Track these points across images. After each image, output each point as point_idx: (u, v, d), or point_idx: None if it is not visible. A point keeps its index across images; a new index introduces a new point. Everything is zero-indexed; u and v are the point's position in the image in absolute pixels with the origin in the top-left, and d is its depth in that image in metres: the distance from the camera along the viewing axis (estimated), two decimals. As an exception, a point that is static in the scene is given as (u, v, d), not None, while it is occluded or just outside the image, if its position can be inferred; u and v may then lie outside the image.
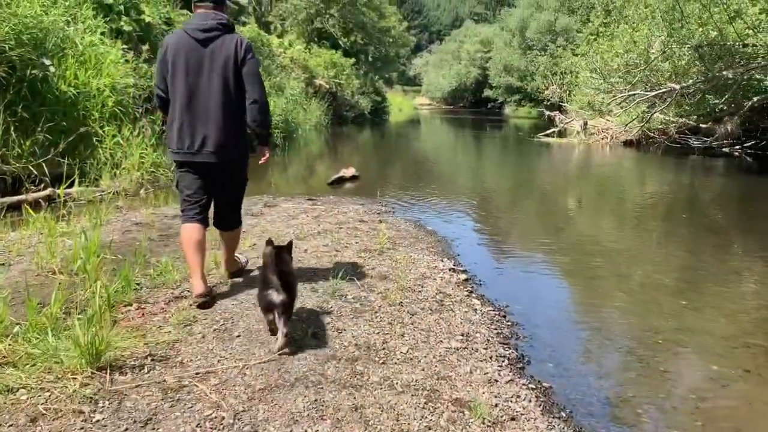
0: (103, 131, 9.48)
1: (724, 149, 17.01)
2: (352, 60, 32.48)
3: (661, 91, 14.69)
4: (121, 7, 12.38)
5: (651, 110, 16.34)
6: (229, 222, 4.37)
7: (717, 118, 14.70)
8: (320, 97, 26.91)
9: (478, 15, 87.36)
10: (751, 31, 12.03)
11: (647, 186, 12.09)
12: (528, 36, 42.56)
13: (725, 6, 12.15)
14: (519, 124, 38.95)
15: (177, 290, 4.22)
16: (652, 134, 18.24)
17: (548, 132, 24.47)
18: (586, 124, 19.83)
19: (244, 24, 32.97)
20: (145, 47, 12.23)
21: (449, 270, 5.14)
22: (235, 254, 4.66)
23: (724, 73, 13.08)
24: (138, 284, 4.28)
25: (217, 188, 4.17)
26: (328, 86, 28.45)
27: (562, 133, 23.81)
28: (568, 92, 29.12)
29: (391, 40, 42.07)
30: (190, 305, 3.91)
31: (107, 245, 5.09)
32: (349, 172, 11.09)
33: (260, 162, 4.25)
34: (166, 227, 6.33)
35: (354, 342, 3.46)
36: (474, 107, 67.67)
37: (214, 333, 3.51)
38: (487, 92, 55.50)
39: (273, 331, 3.41)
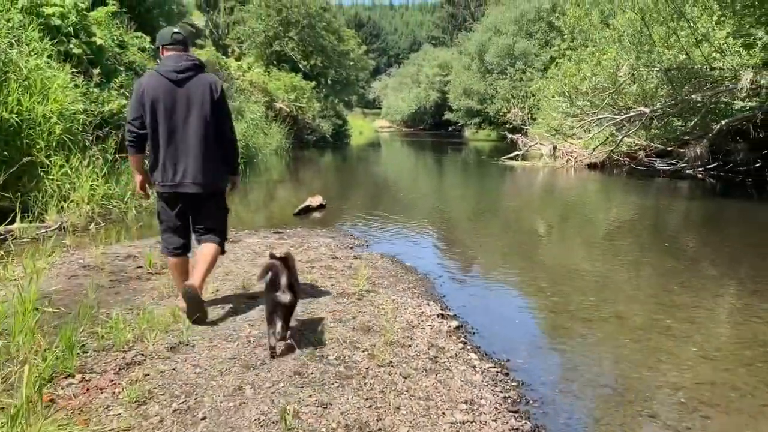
0: (50, 161, 8.76)
1: (687, 171, 17.07)
2: (313, 83, 32.04)
3: (630, 114, 14.61)
4: (70, 29, 11.66)
5: (619, 133, 16.29)
6: (207, 237, 4.44)
7: (685, 141, 14.69)
8: (280, 121, 26.36)
9: (436, 39, 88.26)
10: (718, 54, 12.03)
11: (619, 210, 11.86)
12: (487, 60, 42.84)
13: (692, 30, 12.13)
14: (479, 146, 39.01)
15: (129, 354, 3.61)
16: (617, 157, 18.21)
17: (512, 155, 24.38)
18: (555, 148, 19.71)
19: (201, 47, 32.40)
20: (97, 71, 11.54)
21: (438, 316, 4.64)
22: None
23: (693, 96, 13.05)
24: (83, 347, 3.65)
25: (199, 216, 4.41)
26: (288, 110, 27.93)
27: (525, 156, 23.75)
28: (530, 115, 29.20)
29: (351, 63, 41.84)
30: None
31: (49, 295, 4.46)
32: (315, 200, 10.56)
33: (229, 190, 4.55)
34: (117, 270, 5.68)
35: (344, 422, 2.90)
36: (434, 130, 68.12)
37: (174, 415, 2.90)
38: (448, 115, 55.64)
39: (272, 350, 3.70)
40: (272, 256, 3.89)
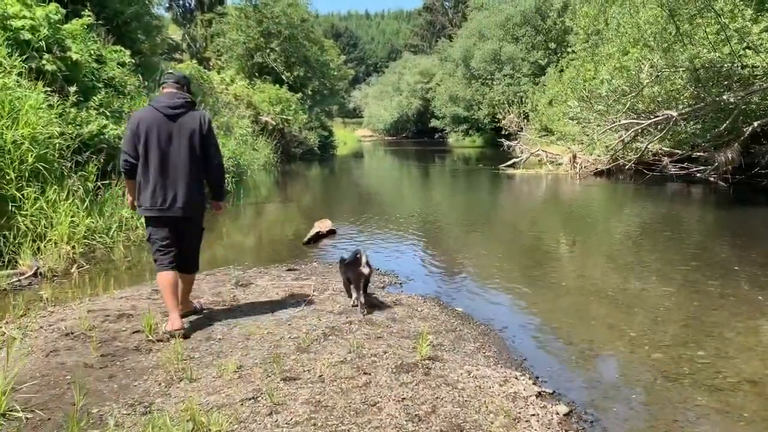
0: (22, 194, 7.59)
1: (698, 175, 16.25)
2: (299, 94, 30.94)
3: (657, 118, 13.68)
4: (42, 44, 10.48)
5: (643, 139, 15.40)
6: (190, 266, 5.00)
7: (716, 144, 13.77)
8: (267, 135, 25.25)
9: (415, 47, 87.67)
10: (750, 51, 11.14)
11: (650, 221, 10.92)
12: (473, 65, 42.04)
13: (722, 26, 11.23)
14: (466, 154, 38.20)
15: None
16: (626, 163, 17.32)
17: (510, 163, 23.50)
18: (575, 157, 18.71)
19: (180, 62, 31.18)
20: (73, 89, 10.36)
21: (536, 396, 3.56)
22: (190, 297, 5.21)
23: (724, 97, 12.15)
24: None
25: (185, 238, 4.87)
26: (274, 123, 26.80)
27: (522, 164, 22.89)
28: (526, 121, 28.34)
29: (335, 72, 40.82)
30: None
31: (20, 387, 3.35)
32: (324, 226, 9.47)
33: (217, 212, 5.37)
34: (109, 338, 4.53)
35: None
36: (417, 137, 67.48)
37: None
38: (434, 122, 54.83)
39: (362, 306, 5.21)
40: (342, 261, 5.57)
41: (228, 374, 3.77)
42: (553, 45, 32.69)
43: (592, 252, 8.55)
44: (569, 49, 22.61)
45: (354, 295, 5.29)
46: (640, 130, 14.68)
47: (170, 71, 4.75)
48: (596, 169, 18.33)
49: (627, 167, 17.32)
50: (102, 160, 9.77)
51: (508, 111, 28.85)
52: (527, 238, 9.81)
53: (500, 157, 28.84)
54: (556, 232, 10.40)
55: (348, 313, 5.16)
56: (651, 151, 15.60)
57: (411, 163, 31.68)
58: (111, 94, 12.53)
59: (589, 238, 9.69)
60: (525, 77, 35.96)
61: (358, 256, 5.16)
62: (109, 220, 9.00)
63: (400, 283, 6.50)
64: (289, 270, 7.05)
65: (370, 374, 3.76)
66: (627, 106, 14.24)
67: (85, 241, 7.99)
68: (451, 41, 57.86)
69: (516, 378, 3.81)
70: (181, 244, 4.81)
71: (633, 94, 13.86)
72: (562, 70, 25.34)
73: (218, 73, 30.52)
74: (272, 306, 5.39)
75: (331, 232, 9.52)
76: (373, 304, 5.41)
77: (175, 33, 44.06)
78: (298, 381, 3.66)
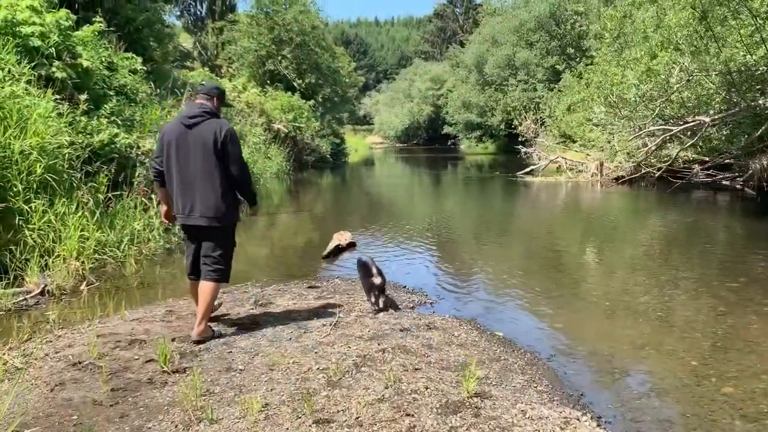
0: (30, 207, 7.23)
1: (724, 182, 15.73)
2: (311, 101, 30.61)
3: (689, 124, 13.17)
4: (52, 50, 10.17)
5: (671, 145, 14.89)
6: (205, 273, 4.82)
7: (749, 152, 13.21)
8: (280, 142, 24.92)
9: (425, 53, 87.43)
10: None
11: (684, 234, 10.45)
12: (486, 71, 41.60)
13: (758, 27, 10.72)
14: (479, 160, 37.76)
15: None
16: (654, 171, 16.79)
17: (528, 170, 23.05)
18: (602, 164, 18.17)
19: (191, 69, 30.96)
20: (84, 97, 10.03)
21: (604, 442, 3.12)
22: (208, 322, 4.91)
23: (760, 101, 11.64)
24: None
25: (205, 247, 4.83)
26: (287, 130, 26.45)
27: (540, 171, 22.45)
28: (543, 127, 27.85)
29: (347, 80, 40.55)
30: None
31: (22, 428, 2.96)
32: (344, 239, 9.05)
33: (250, 216, 5.43)
34: (120, 368, 4.13)
35: None
36: (428, 144, 67.21)
37: None
38: (447, 129, 54.44)
39: (377, 307, 5.63)
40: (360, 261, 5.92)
41: (253, 414, 3.35)
42: (571, 50, 32.12)
43: (628, 266, 8.07)
44: (589, 53, 22.17)
45: (370, 299, 5.71)
46: (669, 137, 14.12)
47: (202, 82, 4.88)
48: (623, 177, 17.79)
49: (650, 175, 16.79)
50: (113, 171, 9.42)
51: (525, 117, 28.35)
52: (556, 252, 9.35)
53: (514, 163, 28.39)
54: (586, 244, 9.94)
55: (379, 338, 4.73)
56: (681, 159, 15.05)
57: (424, 171, 31.26)
58: (123, 102, 12.21)
59: (621, 251, 9.21)
60: (540, 83, 35.46)
61: (368, 266, 5.68)
62: (121, 233, 8.64)
63: (431, 303, 6.06)
64: (310, 287, 6.63)
65: (413, 416, 3.32)
66: (656, 111, 13.73)
67: (96, 256, 7.61)
68: (462, 47, 57.56)
69: (578, 419, 3.35)
70: (206, 251, 4.84)
71: (662, 99, 13.35)
72: (580, 76, 24.79)
73: (230, 80, 30.28)
74: (295, 329, 4.97)
75: (351, 245, 9.10)
76: (404, 328, 4.98)
77: (186, 41, 44.02)
78: (332, 424, 3.23)
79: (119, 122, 11.12)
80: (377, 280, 5.59)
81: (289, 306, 5.79)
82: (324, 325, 5.08)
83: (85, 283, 6.83)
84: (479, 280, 7.26)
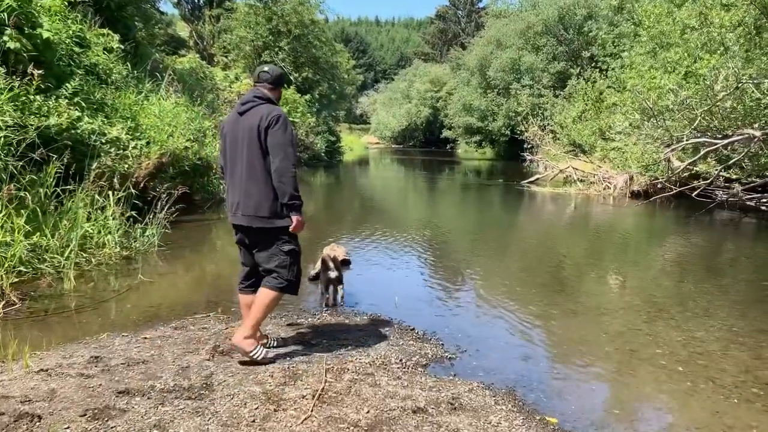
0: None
1: (748, 202, 14.36)
2: (307, 96, 29.11)
3: (736, 138, 11.73)
4: (3, 17, 8.66)
5: (707, 161, 13.46)
6: (268, 280, 4.21)
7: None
8: (272, 138, 23.37)
9: (426, 55, 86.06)
10: None
11: (724, 260, 9.05)
12: (489, 74, 40.13)
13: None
14: (476, 166, 36.39)
15: None
16: (667, 184, 15.39)
17: (533, 179, 21.68)
18: (631, 178, 16.71)
19: (183, 56, 29.41)
20: (37, 72, 8.46)
21: None
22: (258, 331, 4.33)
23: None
24: None
25: (256, 253, 4.25)
26: (279, 125, 24.87)
27: (545, 180, 21.10)
28: (552, 134, 26.41)
29: (346, 76, 39.13)
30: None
31: None
32: (336, 254, 7.54)
33: (290, 230, 4.17)
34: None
35: None
36: (424, 147, 66.06)
37: None
38: (446, 133, 53.04)
39: (326, 303, 5.84)
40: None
41: None
42: (586, 53, 30.61)
43: (682, 305, 6.61)
44: (598, 59, 20.73)
45: (325, 293, 5.91)
46: (710, 151, 12.66)
47: (265, 69, 4.31)
48: (638, 191, 16.45)
49: (668, 190, 15.39)
50: (66, 160, 7.90)
51: (532, 123, 26.91)
52: (591, 280, 7.90)
53: (515, 171, 27.05)
54: (637, 279, 8.49)
55: (381, 425, 3.24)
56: (723, 176, 13.61)
57: (421, 174, 29.79)
58: (92, 83, 10.72)
59: (676, 286, 7.76)
60: (546, 89, 34.02)
61: (325, 261, 5.76)
62: (66, 237, 7.11)
63: (450, 358, 4.54)
64: (290, 325, 5.14)
65: None
66: (696, 122, 12.29)
67: (22, 269, 6.08)
68: (463, 50, 56.21)
69: None
70: (258, 259, 4.27)
71: (704, 108, 11.92)
72: (595, 82, 23.49)
73: (223, 69, 28.80)
74: (262, 403, 3.47)
75: (345, 263, 7.61)
76: (418, 407, 3.50)
77: (183, 30, 42.58)
78: None
79: (83, 104, 9.63)
80: (333, 274, 5.69)
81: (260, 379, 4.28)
82: (303, 396, 3.59)
83: (3, 302, 5.30)
84: (507, 320, 5.77)
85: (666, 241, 11.15)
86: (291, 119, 24.33)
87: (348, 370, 4.06)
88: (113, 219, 8.08)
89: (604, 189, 18.32)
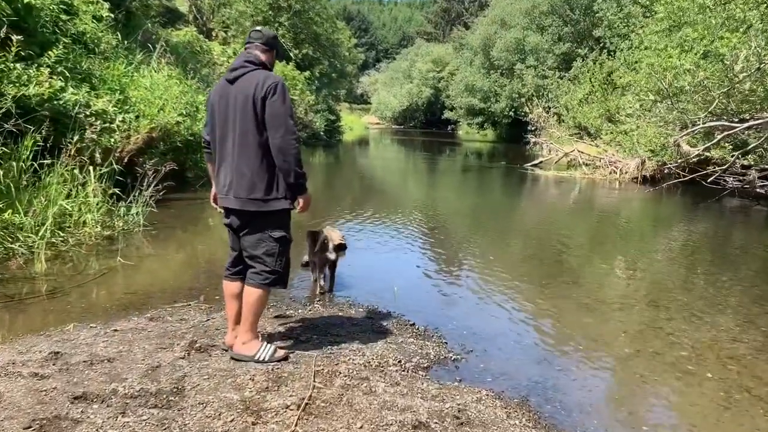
0: None
1: (759, 189, 13.88)
2: (307, 73, 28.46)
3: (757, 122, 11.16)
4: (-22, -24, 8.10)
5: (721, 144, 12.91)
6: (249, 275, 3.69)
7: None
8: (270, 115, 22.82)
9: (428, 34, 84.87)
10: None
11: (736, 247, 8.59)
12: (493, 54, 39.39)
13: None
14: (478, 148, 35.83)
15: None
16: (676, 169, 14.88)
17: (537, 162, 21.16)
18: (643, 162, 16.15)
19: (180, 29, 28.66)
20: (16, 37, 7.91)
21: None
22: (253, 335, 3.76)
23: None
24: None
25: (243, 240, 3.73)
26: (278, 102, 24.28)
27: (550, 163, 20.59)
28: (557, 117, 25.77)
29: (346, 53, 38.39)
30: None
31: None
32: (332, 239, 7.05)
33: (297, 212, 3.79)
34: None
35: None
36: (425, 128, 65.38)
37: None
38: (447, 114, 52.30)
39: (321, 289, 5.43)
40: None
41: None
42: (594, 34, 29.79)
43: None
44: (603, 41, 20.05)
45: (319, 277, 5.40)
46: (727, 135, 12.07)
47: (257, 28, 3.83)
48: (645, 177, 15.99)
49: (677, 176, 14.86)
50: (44, 132, 7.38)
51: (537, 104, 26.28)
52: (609, 274, 7.43)
53: (517, 154, 26.48)
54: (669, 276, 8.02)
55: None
56: (739, 162, 13.07)
57: (421, 155, 29.22)
58: (79, 52, 10.18)
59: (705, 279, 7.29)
60: (550, 70, 33.35)
61: (326, 241, 5.26)
62: (42, 214, 6.62)
63: (454, 360, 4.06)
64: (277, 317, 4.66)
65: None
66: (714, 104, 11.71)
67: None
68: (467, 29, 55.31)
69: None
70: (244, 247, 3.75)
71: (722, 90, 11.33)
72: (603, 63, 22.90)
73: (221, 44, 28.11)
74: (239, 414, 2.99)
75: (340, 248, 7.12)
76: (419, 422, 3.03)
77: (182, 5, 41.74)
78: None
79: (68, 74, 9.10)
80: (332, 256, 5.28)
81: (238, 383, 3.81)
82: (287, 405, 3.11)
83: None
84: (515, 314, 5.30)
85: (676, 229, 10.67)
86: (291, 97, 23.84)
87: (340, 373, 3.58)
88: (95, 196, 7.59)
89: (610, 173, 17.81)
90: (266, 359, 3.67)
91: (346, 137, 37.88)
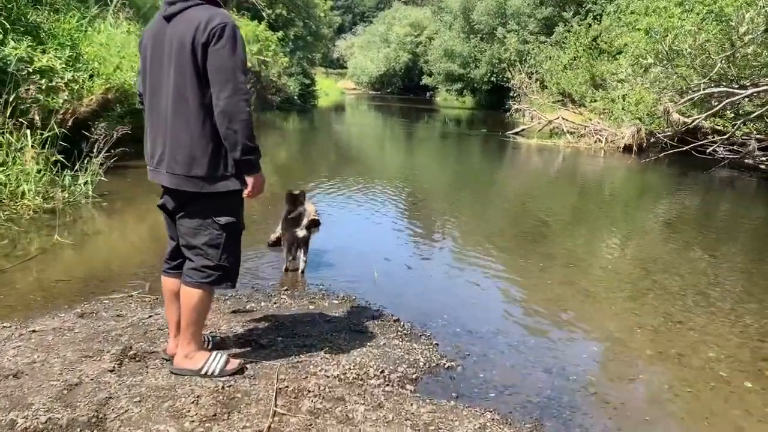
0: None
1: (747, 160, 13.35)
2: (279, 34, 27.23)
3: (762, 88, 10.52)
4: None
5: (724, 113, 12.27)
6: (185, 272, 2.90)
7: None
8: (241, 78, 21.75)
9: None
10: None
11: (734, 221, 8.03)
12: (473, 18, 38.26)
13: None
14: (456, 114, 35.01)
15: None
16: (665, 139, 14.29)
17: (519, 130, 20.47)
18: (638, 131, 15.37)
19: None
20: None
21: None
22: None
23: None
24: None
25: (179, 225, 2.92)
26: (250, 64, 23.19)
27: (532, 132, 19.92)
28: (539, 83, 24.98)
29: (322, 15, 37.01)
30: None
31: None
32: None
33: (244, 196, 2.90)
34: None
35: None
36: (403, 94, 64.25)
37: None
38: (426, 80, 51.17)
39: (286, 270, 4.83)
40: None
41: None
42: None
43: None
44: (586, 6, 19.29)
45: (287, 256, 4.86)
46: (729, 102, 11.41)
47: None
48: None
49: (663, 144, 14.29)
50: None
51: (520, 70, 25.47)
52: (614, 256, 6.80)
53: (496, 121, 25.75)
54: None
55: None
56: (741, 131, 12.45)
57: (398, 122, 28.35)
58: (23, 2, 9.19)
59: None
60: (531, 35, 32.42)
61: (300, 214, 4.69)
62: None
63: (448, 368, 3.34)
64: (235, 312, 3.91)
65: None
66: (716, 69, 11.02)
67: None
68: (446, -7, 53.91)
69: None
70: (181, 235, 2.94)
71: (725, 53, 10.64)
72: (589, 26, 22.12)
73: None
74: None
75: (315, 225, 6.38)
76: None
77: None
78: None
79: (7, 26, 8.15)
80: (301, 233, 4.70)
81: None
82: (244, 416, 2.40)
83: None
84: (513, 305, 4.62)
85: (671, 201, 10.09)
86: (261, 58, 22.40)
87: (308, 391, 2.86)
88: (37, 164, 6.72)
89: (595, 142, 17.19)
90: (216, 373, 2.94)
91: (321, 102, 36.74)
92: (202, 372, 2.93)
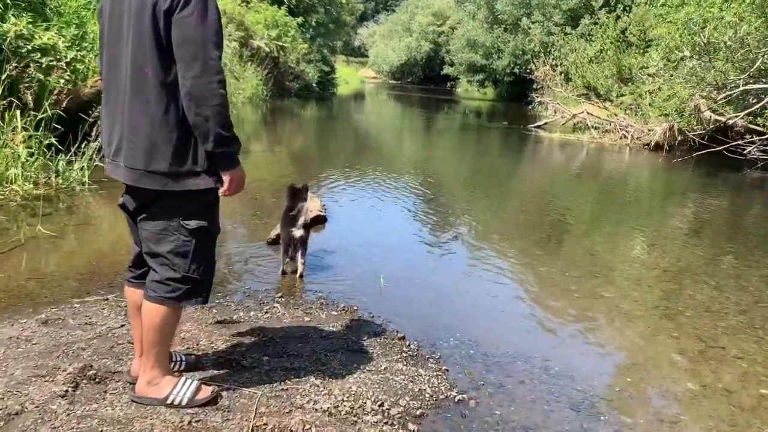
0: None
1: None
2: (299, 19, 26.75)
3: None
4: None
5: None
6: (148, 285, 2.43)
7: None
8: (258, 63, 21.41)
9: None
10: None
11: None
12: (498, 8, 37.45)
13: None
14: (477, 106, 34.37)
15: None
16: (694, 137, 13.62)
17: (541, 123, 19.85)
18: (671, 128, 14.65)
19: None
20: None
21: None
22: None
23: None
24: None
25: (141, 229, 2.45)
26: (268, 49, 22.80)
27: (555, 126, 19.28)
28: (563, 76, 24.25)
29: (344, 1, 36.43)
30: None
31: None
32: (309, 209, 5.85)
33: (222, 192, 2.41)
34: None
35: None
36: (423, 84, 63.62)
37: None
38: (447, 70, 50.45)
39: (283, 273, 4.42)
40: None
41: None
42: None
43: None
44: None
45: (283, 258, 4.46)
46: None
47: None
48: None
49: (691, 143, 13.65)
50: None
51: (544, 62, 24.76)
52: (643, 264, 6.26)
53: (518, 114, 25.13)
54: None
55: None
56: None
57: (419, 113, 27.78)
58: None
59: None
60: (556, 26, 31.61)
61: (299, 211, 4.31)
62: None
63: (459, 402, 2.85)
64: (220, 324, 3.46)
65: None
66: (758, 63, 10.32)
67: None
68: (470, -19, 53.01)
69: None
70: (144, 241, 2.46)
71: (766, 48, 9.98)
72: (618, 18, 21.35)
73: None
74: None
75: (320, 221, 5.93)
76: None
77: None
78: None
79: (8, 1, 7.78)
80: (297, 233, 4.35)
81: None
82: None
83: None
84: (534, 321, 4.13)
85: (702, 203, 9.49)
86: (280, 43, 21.95)
87: (290, 431, 2.41)
88: (27, 147, 6.33)
89: (621, 138, 16.53)
90: (183, 403, 2.49)
91: (341, 90, 36.29)
92: (168, 401, 2.49)
